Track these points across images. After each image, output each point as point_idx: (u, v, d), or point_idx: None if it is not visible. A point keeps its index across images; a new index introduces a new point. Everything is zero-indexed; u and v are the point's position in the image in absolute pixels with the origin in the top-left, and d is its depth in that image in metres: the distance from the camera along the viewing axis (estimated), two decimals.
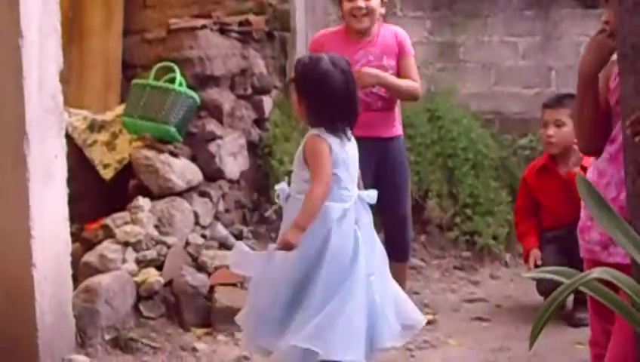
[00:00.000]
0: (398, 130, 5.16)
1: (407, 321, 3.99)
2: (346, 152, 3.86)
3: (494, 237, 6.44)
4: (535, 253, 5.19)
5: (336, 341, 3.71)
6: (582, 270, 2.97)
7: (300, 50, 6.74)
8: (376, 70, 4.91)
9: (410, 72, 5.04)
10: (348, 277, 3.80)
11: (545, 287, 5.08)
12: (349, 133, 3.91)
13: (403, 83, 5.00)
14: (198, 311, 5.09)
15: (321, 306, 3.76)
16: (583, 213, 3.29)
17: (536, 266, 5.11)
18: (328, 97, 3.82)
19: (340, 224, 3.81)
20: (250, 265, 4.00)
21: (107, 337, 4.81)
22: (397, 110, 5.17)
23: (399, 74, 5.03)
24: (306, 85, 3.88)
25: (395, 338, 3.96)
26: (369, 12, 4.88)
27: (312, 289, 3.78)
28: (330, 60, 3.87)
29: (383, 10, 5.00)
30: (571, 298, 5.04)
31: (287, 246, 3.74)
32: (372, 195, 3.99)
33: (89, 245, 5.30)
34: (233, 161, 6.07)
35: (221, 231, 5.72)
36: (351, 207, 3.85)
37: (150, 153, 5.71)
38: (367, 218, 3.96)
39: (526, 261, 5.32)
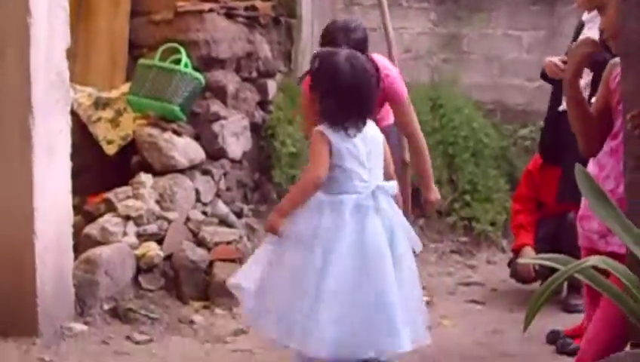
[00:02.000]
0: (387, 120, 4.90)
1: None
2: (354, 145, 3.83)
3: (492, 224, 6.48)
4: (528, 252, 5.16)
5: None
6: (571, 256, 2.99)
7: (306, 37, 6.78)
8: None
9: (408, 122, 4.80)
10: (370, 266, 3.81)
11: (517, 271, 5.16)
12: (362, 126, 3.86)
13: (422, 154, 4.90)
14: (196, 285, 5.11)
15: (335, 301, 3.75)
16: (583, 203, 3.30)
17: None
18: (335, 91, 3.82)
19: (355, 214, 3.80)
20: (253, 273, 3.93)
21: (106, 307, 4.84)
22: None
23: (396, 117, 4.82)
24: (316, 78, 3.90)
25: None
26: None
27: (329, 283, 3.76)
28: (345, 56, 3.87)
29: None
30: (566, 284, 5.03)
31: (272, 230, 3.82)
32: (392, 185, 3.97)
33: (91, 218, 5.32)
34: (236, 141, 6.08)
35: (222, 208, 5.73)
36: (368, 196, 3.83)
37: (154, 131, 5.73)
38: (391, 207, 3.92)
39: (515, 251, 5.31)
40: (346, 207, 3.79)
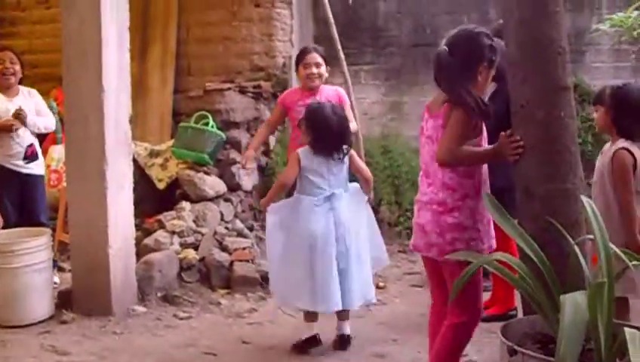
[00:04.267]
0: None
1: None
2: (319, 165, 3.88)
3: None
4: None
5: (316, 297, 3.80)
6: None
7: None
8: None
9: (350, 116, 4.81)
10: (321, 249, 3.80)
11: None
12: (339, 155, 3.90)
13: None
14: (222, 278, 5.08)
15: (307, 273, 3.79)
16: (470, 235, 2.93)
17: None
18: (324, 131, 3.87)
19: (311, 210, 3.84)
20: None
21: (159, 294, 4.82)
22: None
23: None
24: (312, 122, 3.92)
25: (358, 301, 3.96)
26: (319, 76, 4.67)
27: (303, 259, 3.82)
28: (330, 107, 3.93)
29: (327, 75, 4.74)
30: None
31: (263, 208, 4.03)
32: (339, 192, 3.96)
33: (148, 233, 5.33)
34: (248, 178, 6.07)
35: (239, 224, 5.70)
36: (322, 199, 3.85)
37: (191, 172, 5.75)
38: (343, 206, 3.90)
39: None
40: (302, 204, 3.86)
